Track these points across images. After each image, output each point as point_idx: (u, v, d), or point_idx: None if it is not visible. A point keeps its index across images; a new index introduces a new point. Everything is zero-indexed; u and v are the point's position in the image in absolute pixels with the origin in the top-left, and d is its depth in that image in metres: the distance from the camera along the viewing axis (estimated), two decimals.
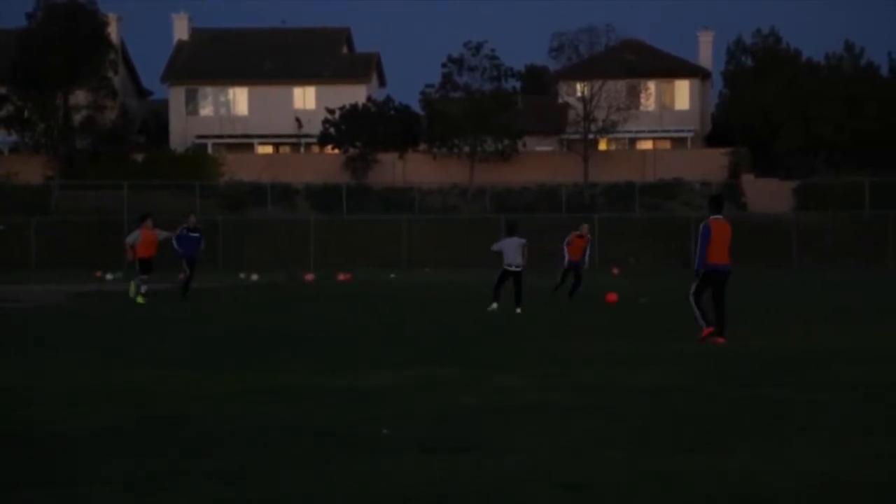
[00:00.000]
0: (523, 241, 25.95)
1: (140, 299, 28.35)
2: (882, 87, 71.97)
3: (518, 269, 25.48)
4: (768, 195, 63.99)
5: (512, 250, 25.72)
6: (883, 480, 8.09)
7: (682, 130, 76.91)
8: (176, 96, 78.89)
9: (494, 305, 25.43)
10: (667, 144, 77.25)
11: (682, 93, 78.12)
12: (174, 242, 30.19)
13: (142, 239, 29.08)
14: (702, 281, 18.06)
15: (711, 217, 18.17)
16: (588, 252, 30.81)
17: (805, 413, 10.91)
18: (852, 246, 57.74)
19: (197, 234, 30.62)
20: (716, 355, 15.92)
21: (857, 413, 10.96)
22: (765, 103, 70.73)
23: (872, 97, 70.08)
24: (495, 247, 26.58)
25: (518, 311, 24.62)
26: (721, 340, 17.54)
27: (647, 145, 76.95)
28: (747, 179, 66.84)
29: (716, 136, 76.30)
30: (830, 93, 70.19)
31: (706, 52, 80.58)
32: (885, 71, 75.17)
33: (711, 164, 68.27)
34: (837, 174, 64.72)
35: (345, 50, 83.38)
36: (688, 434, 9.80)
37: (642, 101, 75.10)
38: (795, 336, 18.99)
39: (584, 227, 30.86)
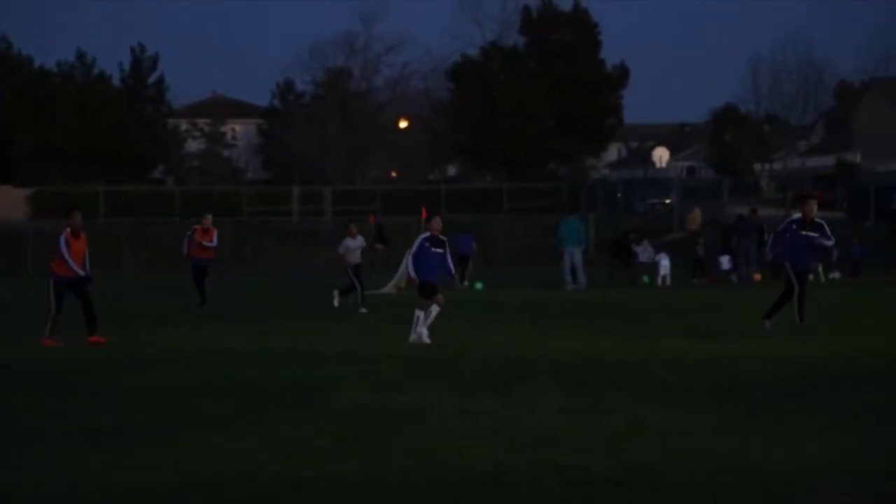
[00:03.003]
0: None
1: None
2: (114, 96, 73.85)
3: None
4: (4, 203, 63.34)
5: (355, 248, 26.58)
6: (177, 482, 8.64)
7: None
8: None
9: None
10: None
11: None
12: None
13: None
14: None
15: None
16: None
17: (72, 420, 11.24)
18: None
19: None
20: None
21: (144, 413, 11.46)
22: None
23: (105, 107, 71.76)
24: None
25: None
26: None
27: None
28: None
29: None
30: (63, 101, 70.94)
31: None
32: (116, 81, 76.98)
33: None
34: (74, 182, 65.27)
35: None
36: None
37: None
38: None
39: (208, 219, 26.67)
